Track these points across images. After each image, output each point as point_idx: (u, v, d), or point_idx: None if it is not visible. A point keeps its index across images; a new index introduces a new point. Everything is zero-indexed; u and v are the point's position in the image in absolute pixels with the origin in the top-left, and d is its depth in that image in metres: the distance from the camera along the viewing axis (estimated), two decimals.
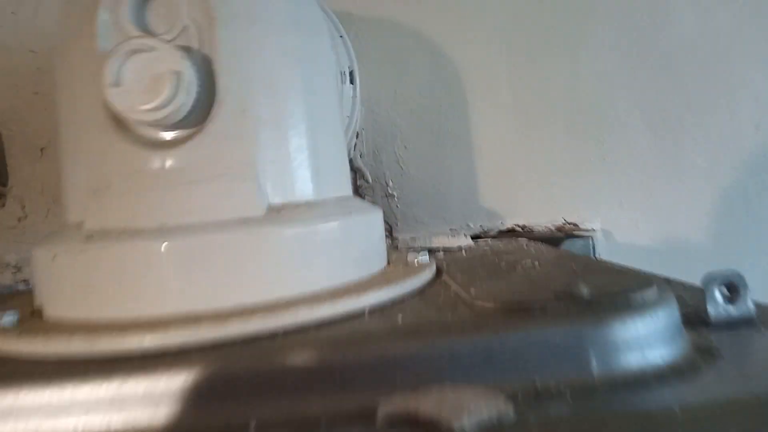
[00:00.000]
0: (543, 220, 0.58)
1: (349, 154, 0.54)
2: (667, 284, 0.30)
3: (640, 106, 0.57)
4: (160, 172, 0.26)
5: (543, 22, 0.56)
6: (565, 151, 0.58)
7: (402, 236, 0.58)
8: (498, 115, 0.57)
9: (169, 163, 0.27)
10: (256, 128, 0.28)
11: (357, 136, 0.57)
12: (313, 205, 0.29)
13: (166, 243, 0.25)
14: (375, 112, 0.57)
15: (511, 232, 0.58)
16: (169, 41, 0.27)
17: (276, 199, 0.28)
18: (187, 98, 0.26)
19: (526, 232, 0.58)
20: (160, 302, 0.25)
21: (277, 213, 0.28)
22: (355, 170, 0.58)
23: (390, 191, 0.58)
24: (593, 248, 0.52)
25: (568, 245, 0.52)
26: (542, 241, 0.57)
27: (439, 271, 0.33)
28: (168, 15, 0.28)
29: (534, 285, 0.27)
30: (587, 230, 0.55)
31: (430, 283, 0.31)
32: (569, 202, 0.58)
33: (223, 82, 0.27)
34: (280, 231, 0.26)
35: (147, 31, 0.27)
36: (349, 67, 0.42)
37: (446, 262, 0.35)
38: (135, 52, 0.25)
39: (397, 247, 0.40)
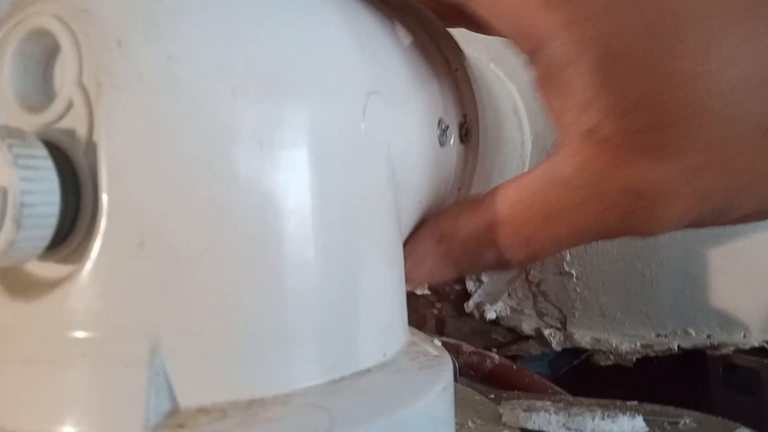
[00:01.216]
0: None
1: None
2: None
3: None
4: None
5: None
6: None
7: (580, 334, 0.41)
8: None
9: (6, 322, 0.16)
10: (163, 274, 0.16)
11: None
12: (272, 404, 0.17)
13: None
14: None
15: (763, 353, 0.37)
16: (48, 123, 0.17)
17: (192, 400, 0.16)
18: (22, 233, 0.15)
19: None
20: None
21: (179, 428, 0.15)
22: None
23: (566, 267, 0.41)
24: None
25: None
26: None
27: None
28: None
29: None
30: None
31: None
32: None
33: (110, 194, 0.16)
34: None
35: (33, 102, 0.17)
36: (463, 117, 0.28)
37: None
38: None
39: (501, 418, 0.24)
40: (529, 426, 0.23)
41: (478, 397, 0.27)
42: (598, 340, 0.40)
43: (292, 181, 0.18)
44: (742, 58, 0.18)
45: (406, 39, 0.24)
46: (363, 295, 0.19)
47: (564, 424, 0.23)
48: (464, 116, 0.28)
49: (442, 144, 0.26)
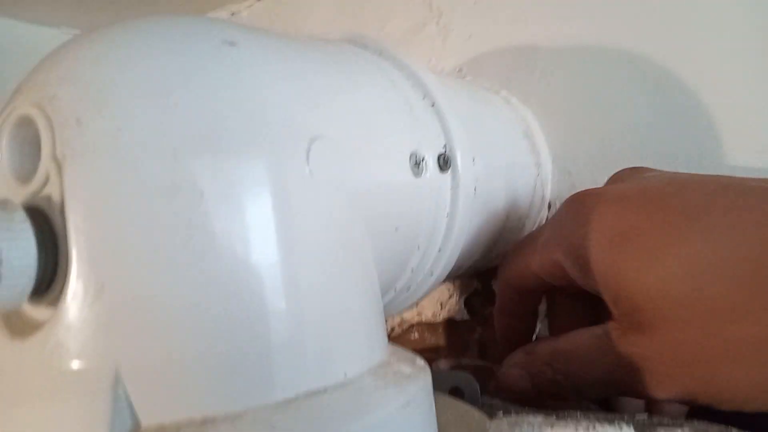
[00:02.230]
0: None
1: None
2: None
3: None
4: None
5: None
6: None
7: None
8: None
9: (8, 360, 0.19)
10: (122, 314, 0.18)
11: (549, 208, 0.41)
12: (223, 421, 0.19)
13: None
14: (571, 174, 0.40)
15: None
16: (34, 192, 0.20)
17: (152, 419, 0.18)
18: (3, 282, 0.18)
19: None
20: None
21: None
22: None
23: None
24: None
25: None
26: None
27: None
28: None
29: None
30: None
31: None
32: None
33: (77, 248, 0.19)
34: None
35: (26, 176, 0.21)
36: (443, 148, 0.29)
37: None
38: None
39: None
40: None
41: (477, 414, 0.27)
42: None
43: (237, 226, 0.20)
44: (689, 269, 0.24)
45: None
46: (319, 322, 0.21)
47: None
48: (444, 147, 0.29)
49: (416, 175, 0.27)
